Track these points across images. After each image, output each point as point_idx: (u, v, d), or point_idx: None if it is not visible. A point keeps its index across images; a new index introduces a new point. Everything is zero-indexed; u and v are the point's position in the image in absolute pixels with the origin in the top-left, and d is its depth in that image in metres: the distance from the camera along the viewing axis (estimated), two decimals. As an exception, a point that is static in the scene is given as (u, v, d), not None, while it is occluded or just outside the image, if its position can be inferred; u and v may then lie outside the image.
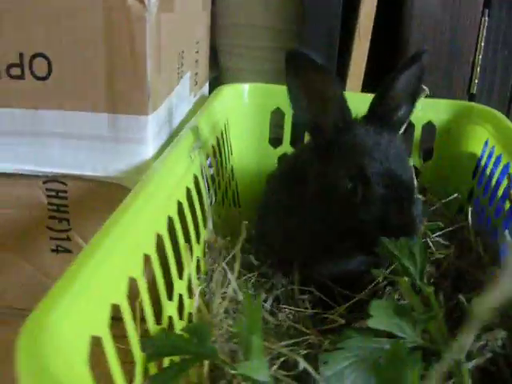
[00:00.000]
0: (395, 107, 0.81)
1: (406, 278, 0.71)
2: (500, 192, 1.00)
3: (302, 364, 0.57)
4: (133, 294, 0.56)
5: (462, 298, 0.72)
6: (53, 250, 0.91)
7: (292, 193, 0.83)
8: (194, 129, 0.87)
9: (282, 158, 1.07)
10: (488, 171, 1.10)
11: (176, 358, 0.57)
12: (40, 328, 0.39)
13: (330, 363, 0.56)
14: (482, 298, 0.61)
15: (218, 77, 1.69)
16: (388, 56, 1.36)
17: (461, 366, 0.57)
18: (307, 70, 0.73)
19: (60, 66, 0.79)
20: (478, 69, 1.27)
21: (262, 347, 0.49)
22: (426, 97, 1.10)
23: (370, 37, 1.30)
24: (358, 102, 1.19)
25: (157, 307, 0.62)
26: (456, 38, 1.29)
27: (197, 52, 1.09)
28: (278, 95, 1.23)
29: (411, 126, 1.18)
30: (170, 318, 0.65)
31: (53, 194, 0.87)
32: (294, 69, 0.74)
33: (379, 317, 0.57)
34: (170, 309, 0.65)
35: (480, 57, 1.26)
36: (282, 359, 0.60)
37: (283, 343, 0.64)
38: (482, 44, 1.26)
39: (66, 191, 0.87)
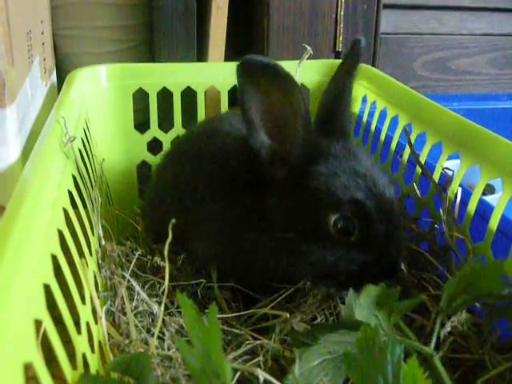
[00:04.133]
0: (344, 112, 0.71)
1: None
2: (393, 146, 0.97)
3: (262, 377, 0.48)
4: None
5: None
6: None
7: (242, 213, 0.68)
8: (59, 121, 0.73)
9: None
10: (373, 127, 1.07)
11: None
12: None
13: (303, 360, 0.48)
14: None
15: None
16: (248, 20, 1.28)
17: (432, 358, 0.53)
18: (268, 82, 0.58)
19: None
20: (341, 25, 1.24)
21: (231, 373, 0.39)
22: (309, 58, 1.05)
23: (227, 7, 1.21)
24: (223, 71, 1.13)
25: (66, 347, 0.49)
26: (316, -5, 1.23)
27: (42, 33, 0.92)
28: (139, 75, 1.10)
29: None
30: (84, 355, 0.52)
31: None
32: (251, 83, 0.59)
33: (365, 306, 0.50)
34: (81, 344, 0.52)
35: (342, 13, 1.23)
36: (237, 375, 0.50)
37: (230, 356, 0.54)
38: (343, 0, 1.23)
39: None
